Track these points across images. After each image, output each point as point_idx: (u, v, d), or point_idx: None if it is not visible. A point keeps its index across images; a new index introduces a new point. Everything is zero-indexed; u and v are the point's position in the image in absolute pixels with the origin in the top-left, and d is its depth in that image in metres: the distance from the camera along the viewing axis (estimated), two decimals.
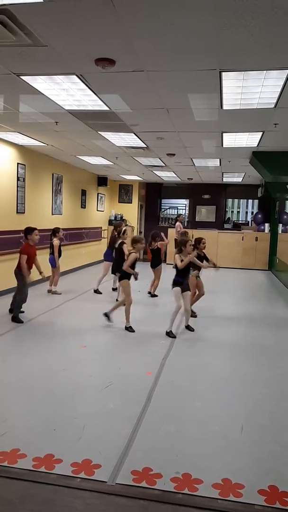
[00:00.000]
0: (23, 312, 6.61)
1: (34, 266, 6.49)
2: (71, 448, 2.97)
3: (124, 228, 7.97)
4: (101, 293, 8.57)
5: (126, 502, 2.47)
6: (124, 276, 6.04)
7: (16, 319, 6.28)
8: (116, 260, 7.66)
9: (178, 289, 5.82)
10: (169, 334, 5.75)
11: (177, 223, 12.92)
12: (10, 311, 6.56)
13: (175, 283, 5.87)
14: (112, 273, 7.94)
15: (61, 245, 8.62)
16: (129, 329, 5.98)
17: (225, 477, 2.68)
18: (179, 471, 2.73)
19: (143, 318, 6.70)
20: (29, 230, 6.42)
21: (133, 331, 5.94)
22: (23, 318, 6.39)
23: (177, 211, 17.24)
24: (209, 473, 2.71)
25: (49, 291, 8.47)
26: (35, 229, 6.47)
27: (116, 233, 8.08)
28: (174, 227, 14.64)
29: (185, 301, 5.94)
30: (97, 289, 8.67)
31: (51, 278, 8.51)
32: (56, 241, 8.36)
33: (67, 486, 2.57)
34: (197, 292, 6.92)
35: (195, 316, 6.85)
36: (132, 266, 6.02)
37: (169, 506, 2.45)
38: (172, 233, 12.40)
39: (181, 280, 5.85)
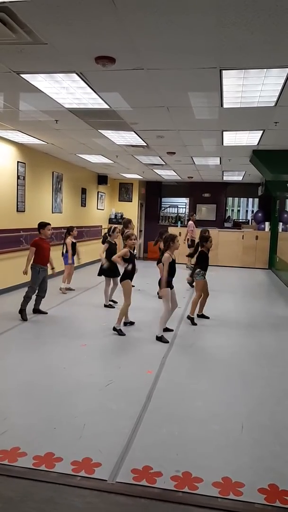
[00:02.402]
0: (46, 313, 6.73)
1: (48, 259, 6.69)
2: (72, 446, 2.97)
3: (114, 226, 7.70)
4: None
5: (126, 500, 2.47)
6: (125, 276, 5.84)
7: (21, 312, 6.39)
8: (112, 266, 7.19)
9: (168, 290, 5.59)
10: (161, 339, 5.53)
11: (190, 222, 12.84)
12: (35, 311, 6.76)
13: (166, 283, 5.60)
14: (99, 275, 7.40)
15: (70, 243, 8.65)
16: (119, 331, 5.75)
17: (225, 475, 2.68)
18: (179, 469, 2.73)
19: (143, 316, 6.69)
20: (42, 225, 6.67)
21: (123, 335, 5.71)
22: (34, 316, 6.53)
23: (177, 210, 17.23)
24: (209, 472, 2.72)
25: (61, 289, 8.58)
26: (49, 224, 6.70)
27: (107, 233, 7.73)
28: (175, 226, 14.68)
29: (173, 300, 5.71)
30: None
31: (65, 275, 8.72)
32: (68, 240, 8.50)
33: (67, 484, 2.58)
34: (202, 295, 6.76)
35: (208, 317, 6.86)
36: (129, 264, 5.81)
37: (169, 504, 2.45)
38: (183, 232, 12.47)
39: (170, 279, 5.63)
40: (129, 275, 5.86)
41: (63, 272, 8.70)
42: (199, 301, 6.77)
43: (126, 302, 5.85)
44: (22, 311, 6.38)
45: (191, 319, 6.54)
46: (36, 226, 6.72)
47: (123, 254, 5.81)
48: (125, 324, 6.04)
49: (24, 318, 6.32)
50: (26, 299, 6.45)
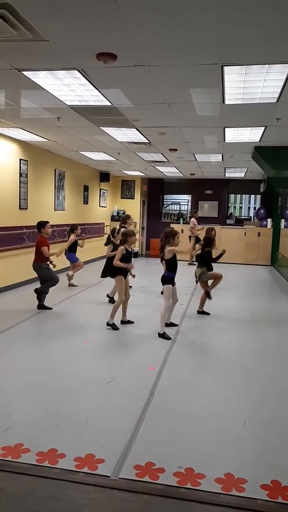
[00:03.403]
0: (51, 308, 6.79)
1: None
2: (75, 443, 2.98)
3: (118, 228, 7.58)
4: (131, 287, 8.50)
5: (129, 496, 2.48)
6: (117, 271, 5.82)
7: (43, 307, 6.62)
8: (106, 263, 7.29)
9: (170, 287, 5.61)
10: (163, 335, 5.51)
11: (192, 219, 12.83)
12: (36, 291, 6.83)
13: (167, 280, 5.64)
14: (102, 276, 7.49)
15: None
16: (112, 326, 5.78)
17: (227, 472, 2.68)
18: (181, 465, 2.74)
19: (146, 313, 6.70)
20: (42, 224, 6.70)
21: (117, 329, 5.77)
22: (35, 312, 6.57)
23: (180, 207, 17.22)
24: (211, 468, 2.72)
25: (71, 284, 8.73)
26: (48, 222, 6.74)
27: (110, 233, 7.65)
28: (177, 223, 14.67)
29: (174, 296, 5.76)
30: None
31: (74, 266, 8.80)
32: (71, 237, 8.48)
33: (71, 480, 2.59)
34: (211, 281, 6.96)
35: (208, 314, 6.86)
36: (124, 262, 5.78)
37: (172, 500, 2.46)
38: (186, 229, 12.45)
39: (173, 275, 5.65)
40: (122, 271, 5.83)
41: (68, 268, 8.82)
42: (200, 298, 6.88)
43: (119, 298, 5.90)
44: (42, 306, 6.66)
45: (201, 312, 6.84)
46: (48, 221, 6.79)
47: (120, 253, 5.76)
48: (123, 322, 6.03)
49: (47, 307, 6.63)
50: (45, 291, 6.68)
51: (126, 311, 6.13)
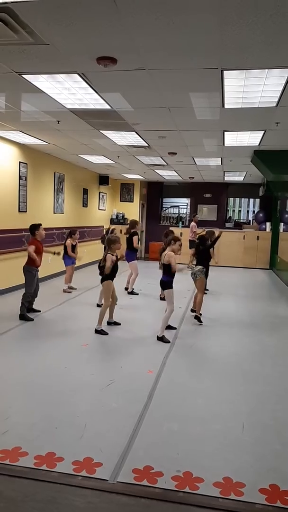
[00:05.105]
0: (39, 311, 6.72)
1: (42, 261, 6.59)
2: (73, 446, 2.97)
3: (112, 228, 7.56)
4: (137, 294, 8.53)
5: (127, 500, 2.47)
6: (106, 277, 5.84)
7: (24, 317, 6.31)
8: (101, 267, 7.30)
9: (172, 291, 5.61)
10: (162, 339, 5.51)
11: (192, 223, 12.86)
12: (28, 310, 6.62)
13: (168, 285, 5.62)
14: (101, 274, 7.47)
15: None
16: (101, 332, 5.72)
17: (226, 475, 2.68)
18: (180, 469, 2.73)
19: (144, 317, 6.69)
20: (35, 226, 6.56)
21: (106, 334, 5.71)
22: (35, 315, 6.54)
23: (179, 210, 17.23)
24: (210, 472, 2.72)
25: (65, 290, 8.60)
26: (40, 224, 6.60)
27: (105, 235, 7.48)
28: (176, 226, 14.68)
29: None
30: (132, 290, 8.57)
31: (67, 276, 8.73)
32: (68, 241, 8.46)
33: (69, 484, 2.58)
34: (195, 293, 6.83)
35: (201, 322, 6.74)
36: (113, 269, 5.79)
37: (170, 504, 2.46)
38: (186, 232, 12.45)
39: (172, 279, 5.64)
40: (110, 275, 5.85)
41: (65, 273, 8.73)
42: (193, 297, 6.86)
43: (105, 303, 5.90)
44: (23, 316, 6.31)
45: (198, 318, 6.57)
46: (41, 223, 6.65)
47: (110, 261, 5.76)
48: (109, 323, 6.06)
49: (28, 319, 6.29)
50: (25, 303, 6.39)
51: (113, 313, 6.18)
